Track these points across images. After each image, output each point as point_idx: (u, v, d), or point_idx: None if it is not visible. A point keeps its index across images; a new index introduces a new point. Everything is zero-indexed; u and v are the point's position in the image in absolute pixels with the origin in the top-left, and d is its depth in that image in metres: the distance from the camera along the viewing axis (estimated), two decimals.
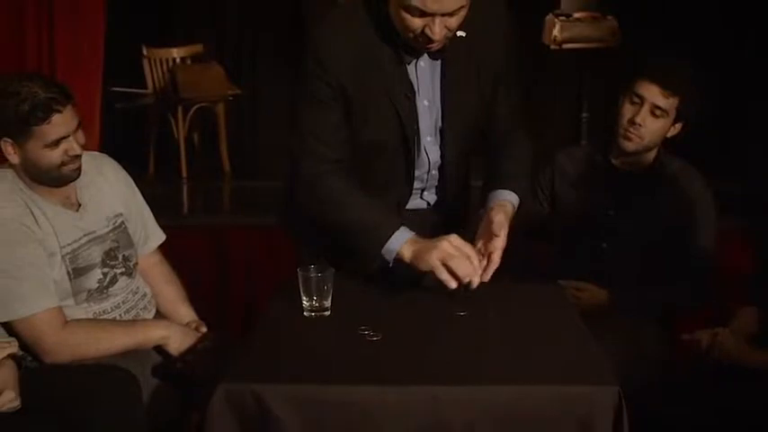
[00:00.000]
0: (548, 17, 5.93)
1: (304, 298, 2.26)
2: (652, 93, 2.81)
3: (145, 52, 6.19)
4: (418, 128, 2.44)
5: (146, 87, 6.24)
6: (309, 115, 2.40)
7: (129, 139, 6.00)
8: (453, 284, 2.19)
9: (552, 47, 5.87)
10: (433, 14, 2.18)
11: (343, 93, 2.36)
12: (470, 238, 2.33)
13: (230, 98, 6.22)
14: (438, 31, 2.20)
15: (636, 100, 2.83)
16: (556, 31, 5.82)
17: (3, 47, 4.10)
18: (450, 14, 2.19)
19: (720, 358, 2.59)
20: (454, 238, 2.22)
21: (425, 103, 2.42)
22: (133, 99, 6.25)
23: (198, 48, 6.41)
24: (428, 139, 2.47)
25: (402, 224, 2.30)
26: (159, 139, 6.13)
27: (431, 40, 2.23)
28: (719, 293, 3.06)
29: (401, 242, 2.26)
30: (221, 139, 6.15)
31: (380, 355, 2.05)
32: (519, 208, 2.45)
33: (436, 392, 1.87)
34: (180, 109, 5.98)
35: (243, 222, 4.83)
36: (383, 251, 2.27)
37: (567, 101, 6.23)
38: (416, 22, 2.20)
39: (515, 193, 2.43)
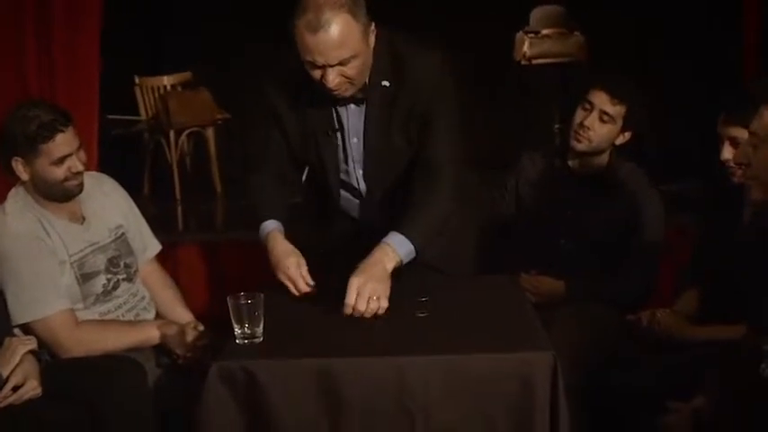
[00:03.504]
0: (517, 34, 6.21)
1: (235, 326, 2.28)
2: (601, 100, 3.11)
3: (137, 81, 6.39)
4: (347, 160, 2.72)
5: (139, 114, 6.45)
6: (256, 128, 2.76)
7: (125, 164, 6.02)
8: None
9: (523, 62, 6.15)
10: (323, 66, 2.43)
11: (279, 119, 2.70)
12: None
13: (219, 122, 6.38)
14: (331, 79, 2.44)
15: (587, 106, 3.13)
16: (525, 48, 6.11)
17: (7, 82, 4.32)
18: (341, 64, 2.43)
19: (659, 334, 2.86)
20: (294, 261, 2.53)
21: (355, 140, 2.69)
22: (127, 126, 6.43)
23: (187, 75, 6.58)
24: (360, 171, 2.74)
25: (276, 218, 2.64)
26: (153, 164, 6.30)
27: (329, 87, 2.47)
28: (670, 280, 3.34)
29: (268, 229, 2.63)
30: (212, 161, 6.28)
31: (352, 333, 2.32)
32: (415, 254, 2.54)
33: (399, 362, 2.15)
34: (172, 134, 6.15)
35: (234, 238, 5.04)
36: (260, 228, 2.64)
37: (541, 113, 6.45)
38: (315, 73, 2.46)
39: (411, 241, 2.50)
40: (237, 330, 2.29)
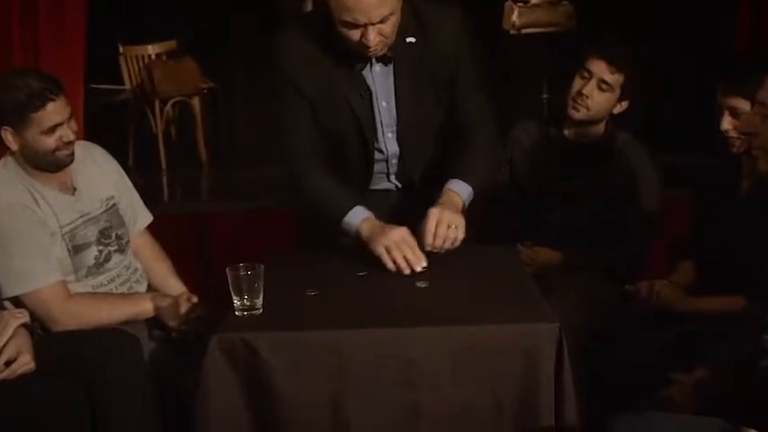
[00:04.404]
0: (506, 3, 6.17)
1: (234, 297, 2.23)
2: (600, 68, 3.09)
3: (121, 50, 6.33)
4: (375, 124, 2.68)
5: (123, 84, 6.40)
6: (283, 111, 2.67)
7: (109, 133, 5.92)
8: (394, 269, 2.42)
9: (512, 32, 6.11)
10: (365, 25, 2.40)
11: (300, 90, 2.62)
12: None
13: (205, 91, 6.35)
14: (372, 38, 2.42)
15: (585, 75, 3.11)
16: (514, 17, 6.06)
17: None
18: (381, 22, 2.40)
19: (658, 305, 2.85)
20: (402, 230, 2.44)
21: (384, 104, 2.66)
22: (112, 95, 6.38)
23: (172, 44, 6.53)
24: (389, 135, 2.71)
25: (360, 203, 2.53)
26: (138, 133, 6.25)
27: (369, 47, 2.45)
28: (668, 252, 3.33)
29: (360, 218, 2.51)
30: (197, 130, 6.25)
31: (355, 304, 2.29)
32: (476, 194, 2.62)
33: (404, 334, 2.12)
34: (157, 103, 6.11)
35: (220, 208, 5.02)
36: (343, 223, 2.52)
37: (530, 82, 6.46)
38: (353, 34, 2.43)
39: (468, 183, 2.58)
40: (237, 302, 2.24)
